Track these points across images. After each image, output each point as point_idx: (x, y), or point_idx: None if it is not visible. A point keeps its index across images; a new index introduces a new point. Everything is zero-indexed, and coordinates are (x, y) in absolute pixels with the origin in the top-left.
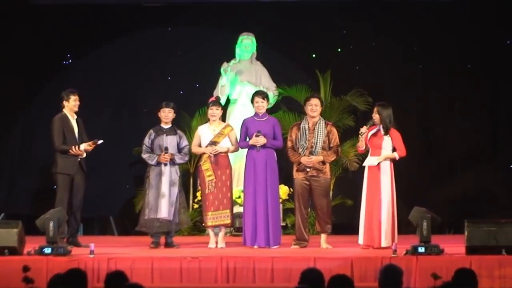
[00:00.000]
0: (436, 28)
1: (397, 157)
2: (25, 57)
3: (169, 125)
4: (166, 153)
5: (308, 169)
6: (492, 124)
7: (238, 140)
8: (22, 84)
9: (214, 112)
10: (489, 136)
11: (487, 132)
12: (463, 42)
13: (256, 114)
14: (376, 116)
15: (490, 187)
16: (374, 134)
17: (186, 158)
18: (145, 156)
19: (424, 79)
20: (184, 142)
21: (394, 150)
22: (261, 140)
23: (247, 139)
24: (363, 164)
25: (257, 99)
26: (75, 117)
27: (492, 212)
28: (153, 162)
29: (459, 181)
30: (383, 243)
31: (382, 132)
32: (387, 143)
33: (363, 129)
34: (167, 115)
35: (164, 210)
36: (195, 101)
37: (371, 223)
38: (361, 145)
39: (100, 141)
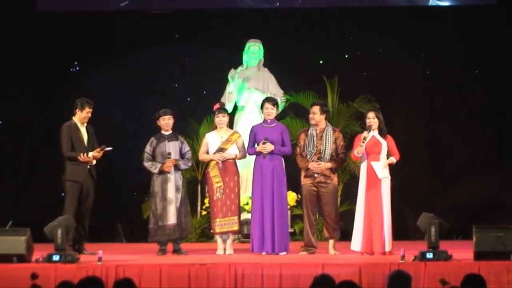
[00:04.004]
0: (443, 34)
1: (395, 162)
2: (32, 65)
3: (170, 131)
4: (169, 158)
5: (316, 175)
6: (499, 130)
7: (246, 146)
8: (30, 91)
9: (221, 119)
10: (496, 142)
11: (494, 137)
12: (470, 48)
13: (264, 121)
14: (375, 121)
15: (497, 192)
16: (370, 141)
17: (189, 164)
18: (147, 164)
19: (431, 85)
20: (186, 148)
21: (387, 154)
22: (268, 148)
23: (255, 146)
24: (379, 177)
25: (267, 105)
26: (85, 124)
27: (499, 218)
28: (156, 171)
29: (466, 186)
30: (387, 248)
31: (379, 137)
32: (385, 147)
33: (365, 134)
34: (167, 122)
35: (172, 217)
36: (203, 108)
37: (371, 229)
38: (360, 152)
39: (109, 148)
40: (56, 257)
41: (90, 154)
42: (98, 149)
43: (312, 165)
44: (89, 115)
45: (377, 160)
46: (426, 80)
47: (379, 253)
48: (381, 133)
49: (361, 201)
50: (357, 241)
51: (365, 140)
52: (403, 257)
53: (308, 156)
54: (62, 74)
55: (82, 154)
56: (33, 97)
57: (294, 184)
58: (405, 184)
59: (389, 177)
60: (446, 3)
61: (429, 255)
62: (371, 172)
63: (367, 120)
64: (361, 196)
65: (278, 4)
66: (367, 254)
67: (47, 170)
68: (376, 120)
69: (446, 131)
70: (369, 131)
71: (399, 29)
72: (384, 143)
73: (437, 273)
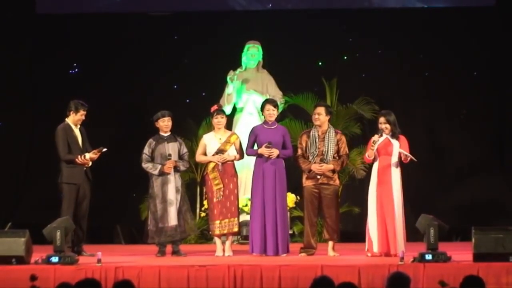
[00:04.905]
0: (442, 35)
1: (415, 160)
2: (31, 66)
3: (169, 133)
4: (169, 159)
5: (318, 177)
6: (499, 131)
7: (244, 147)
8: (29, 93)
9: (219, 120)
10: (496, 143)
11: (494, 139)
12: (469, 50)
13: (265, 122)
14: (386, 126)
15: (497, 194)
16: (382, 142)
17: (187, 165)
18: (146, 166)
19: (430, 86)
20: (184, 149)
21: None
22: (275, 153)
23: (255, 147)
24: (372, 175)
25: (268, 106)
26: (78, 126)
27: (499, 219)
28: (156, 172)
29: (466, 188)
30: (399, 250)
31: (391, 139)
32: (396, 148)
33: (376, 138)
34: (167, 124)
35: (173, 218)
36: (202, 109)
37: (385, 231)
38: (371, 155)
39: (105, 149)
40: (55, 259)
41: (88, 155)
42: (95, 151)
43: (315, 167)
44: (83, 117)
45: (388, 162)
46: (425, 82)
47: (393, 255)
48: (393, 135)
49: (373, 200)
50: (373, 243)
51: (374, 143)
52: (402, 258)
53: (310, 158)
54: (61, 75)
55: (79, 156)
56: (33, 98)
57: (293, 186)
58: (405, 185)
59: (399, 180)
60: (443, 5)
61: (428, 257)
62: (382, 171)
63: (379, 125)
64: (372, 195)
65: (270, 5)
66: (383, 255)
67: (46, 172)
68: (387, 125)
69: (446, 132)
70: (381, 135)
71: (398, 30)
72: (396, 144)
73: (436, 275)
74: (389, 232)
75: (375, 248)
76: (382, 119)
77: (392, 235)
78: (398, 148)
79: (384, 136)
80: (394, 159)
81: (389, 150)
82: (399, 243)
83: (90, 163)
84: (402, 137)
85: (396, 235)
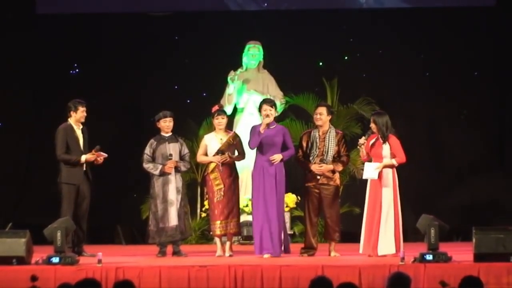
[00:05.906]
0: (443, 36)
1: (396, 164)
2: (31, 67)
3: (170, 133)
4: (170, 159)
5: (318, 177)
6: (499, 131)
7: (246, 148)
8: (29, 93)
9: (220, 121)
10: (496, 143)
11: (494, 139)
12: (469, 49)
13: None
14: (372, 125)
15: (497, 194)
16: (374, 144)
17: (188, 166)
18: (147, 166)
19: (431, 86)
20: (185, 150)
21: (393, 157)
22: (277, 159)
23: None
24: (363, 177)
25: (265, 107)
26: (81, 126)
27: (499, 219)
28: (157, 172)
29: (466, 188)
30: (380, 252)
31: (381, 141)
32: (386, 151)
33: (361, 140)
34: (168, 125)
35: (174, 218)
36: (202, 110)
37: (370, 233)
38: (363, 155)
39: (104, 154)
40: (55, 259)
41: (83, 157)
42: (92, 151)
43: (314, 167)
44: (85, 114)
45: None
46: (425, 82)
47: (374, 256)
48: (382, 137)
49: (366, 203)
50: (360, 243)
51: (359, 146)
52: (402, 258)
53: (311, 158)
54: (62, 76)
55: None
56: (33, 99)
57: (293, 186)
58: (405, 185)
59: (391, 182)
60: (443, 5)
61: (429, 257)
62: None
63: (370, 124)
64: (366, 199)
65: (266, 4)
66: (367, 256)
67: (47, 172)
68: (373, 125)
69: (446, 132)
70: (368, 136)
71: (398, 30)
72: (385, 146)
73: (437, 275)
74: (373, 233)
75: (360, 249)
76: (371, 119)
77: (375, 237)
78: (388, 150)
79: (377, 136)
80: (385, 160)
81: (378, 152)
82: (381, 244)
83: (103, 159)
84: (392, 138)
85: (379, 237)
